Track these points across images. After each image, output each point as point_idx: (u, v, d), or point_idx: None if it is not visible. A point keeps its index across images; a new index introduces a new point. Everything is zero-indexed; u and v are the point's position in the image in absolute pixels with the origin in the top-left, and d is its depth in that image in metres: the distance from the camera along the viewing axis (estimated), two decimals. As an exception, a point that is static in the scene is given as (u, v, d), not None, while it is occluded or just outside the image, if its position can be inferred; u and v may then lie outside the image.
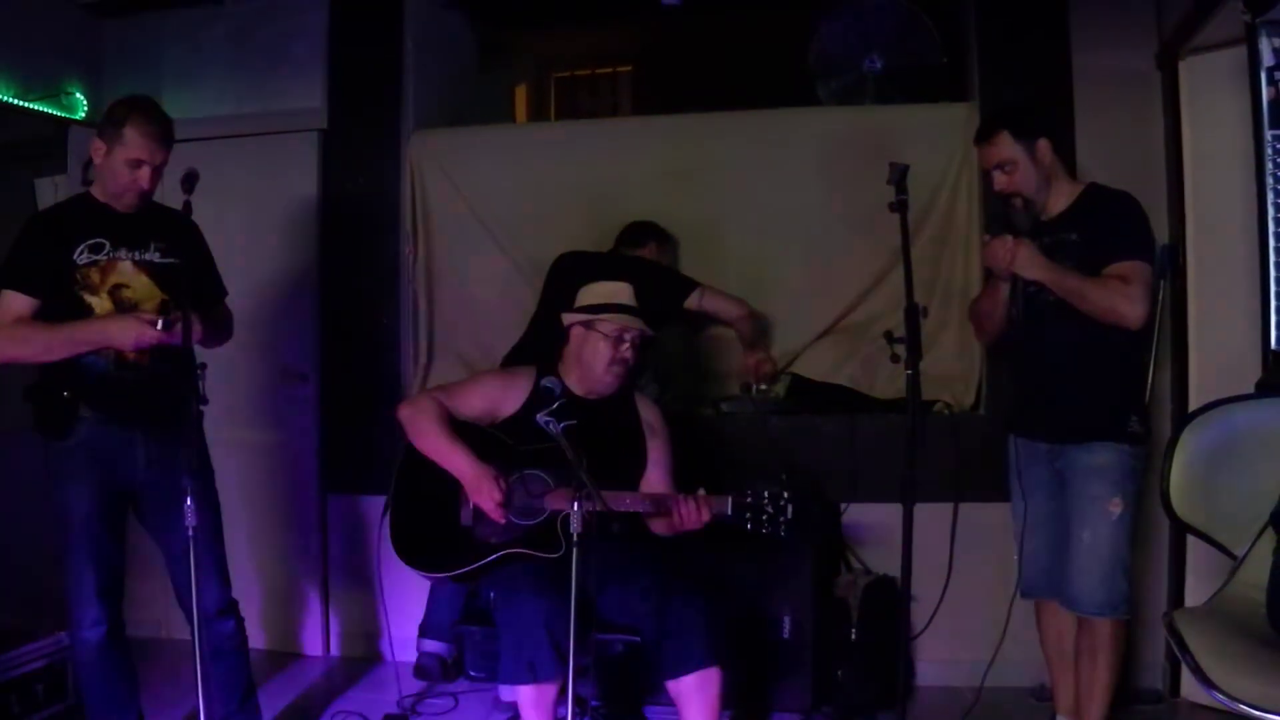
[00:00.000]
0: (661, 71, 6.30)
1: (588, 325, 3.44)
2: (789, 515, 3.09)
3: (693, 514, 3.17)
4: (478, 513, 3.35)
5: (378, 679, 4.44)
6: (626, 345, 3.41)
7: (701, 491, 3.20)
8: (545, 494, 3.31)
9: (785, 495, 3.10)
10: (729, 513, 3.14)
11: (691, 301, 4.34)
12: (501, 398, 3.48)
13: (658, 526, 3.31)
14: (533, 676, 3.11)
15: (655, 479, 3.44)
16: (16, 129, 4.80)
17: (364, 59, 4.86)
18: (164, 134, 3.19)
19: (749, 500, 3.12)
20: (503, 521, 3.30)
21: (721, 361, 4.71)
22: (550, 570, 3.21)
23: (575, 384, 3.48)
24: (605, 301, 3.47)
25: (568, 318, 3.51)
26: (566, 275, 4.18)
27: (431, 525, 3.41)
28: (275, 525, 4.85)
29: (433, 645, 4.27)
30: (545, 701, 3.15)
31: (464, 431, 3.40)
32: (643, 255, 4.42)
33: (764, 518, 3.10)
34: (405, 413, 3.45)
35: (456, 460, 3.32)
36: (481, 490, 3.28)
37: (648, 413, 3.56)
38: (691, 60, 5.87)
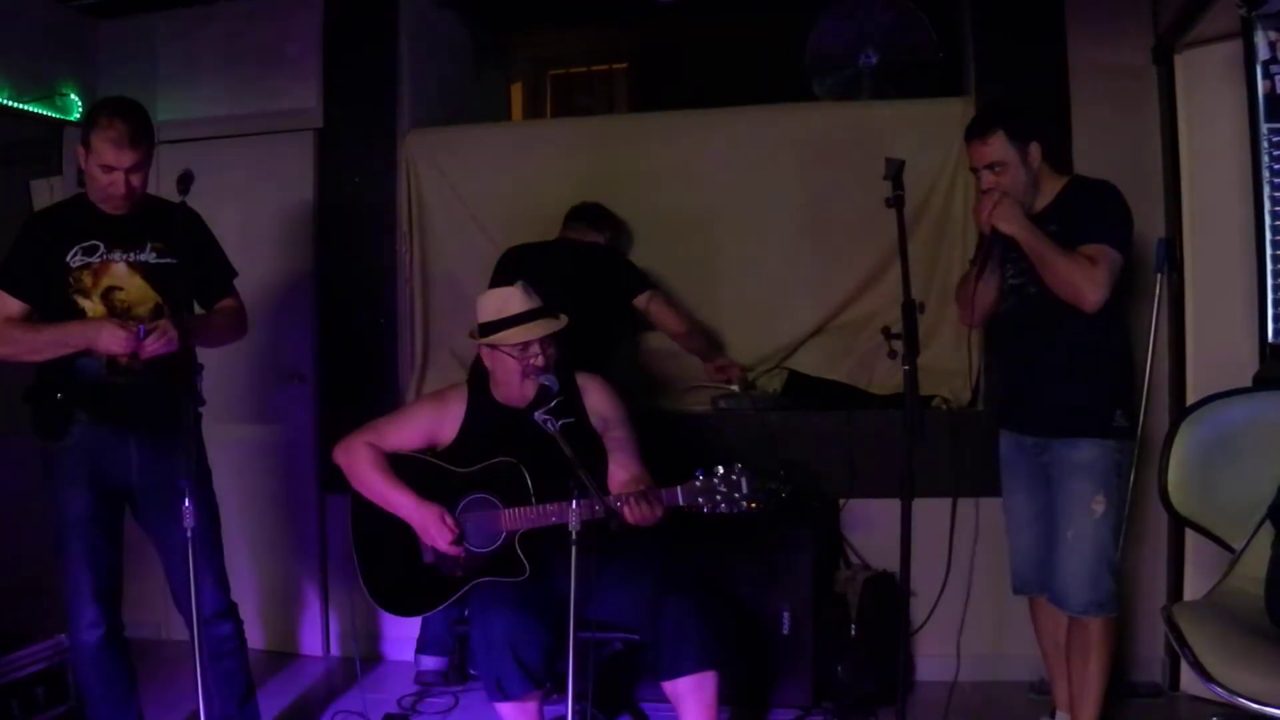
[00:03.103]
0: (657, 68, 6.29)
1: (491, 346, 3.36)
2: (745, 489, 3.02)
3: (646, 514, 3.07)
4: (437, 550, 3.34)
5: (378, 678, 4.44)
6: (534, 355, 3.30)
7: (645, 487, 3.13)
8: (496, 517, 3.28)
9: (738, 467, 3.03)
10: (681, 502, 3.08)
11: (640, 301, 4.28)
12: (437, 426, 3.44)
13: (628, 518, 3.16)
14: (503, 695, 3.12)
15: (624, 468, 3.33)
16: (11, 131, 4.80)
17: (359, 58, 4.85)
18: (131, 136, 3.10)
19: (698, 484, 3.05)
20: (461, 557, 3.29)
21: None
22: (518, 586, 3.22)
23: (504, 399, 3.42)
24: (497, 318, 3.34)
25: (472, 342, 3.43)
26: (513, 273, 4.12)
27: (397, 568, 3.40)
28: (274, 525, 4.84)
29: (430, 661, 4.27)
30: (527, 714, 3.16)
31: (404, 466, 3.38)
32: (595, 239, 4.39)
33: (718, 497, 3.03)
34: (341, 460, 3.42)
35: (400, 505, 3.31)
36: (431, 533, 3.27)
37: (595, 399, 3.45)
38: (687, 57, 5.87)
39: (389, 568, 3.42)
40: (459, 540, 3.26)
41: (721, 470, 3.04)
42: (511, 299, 3.35)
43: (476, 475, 3.32)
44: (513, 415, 3.33)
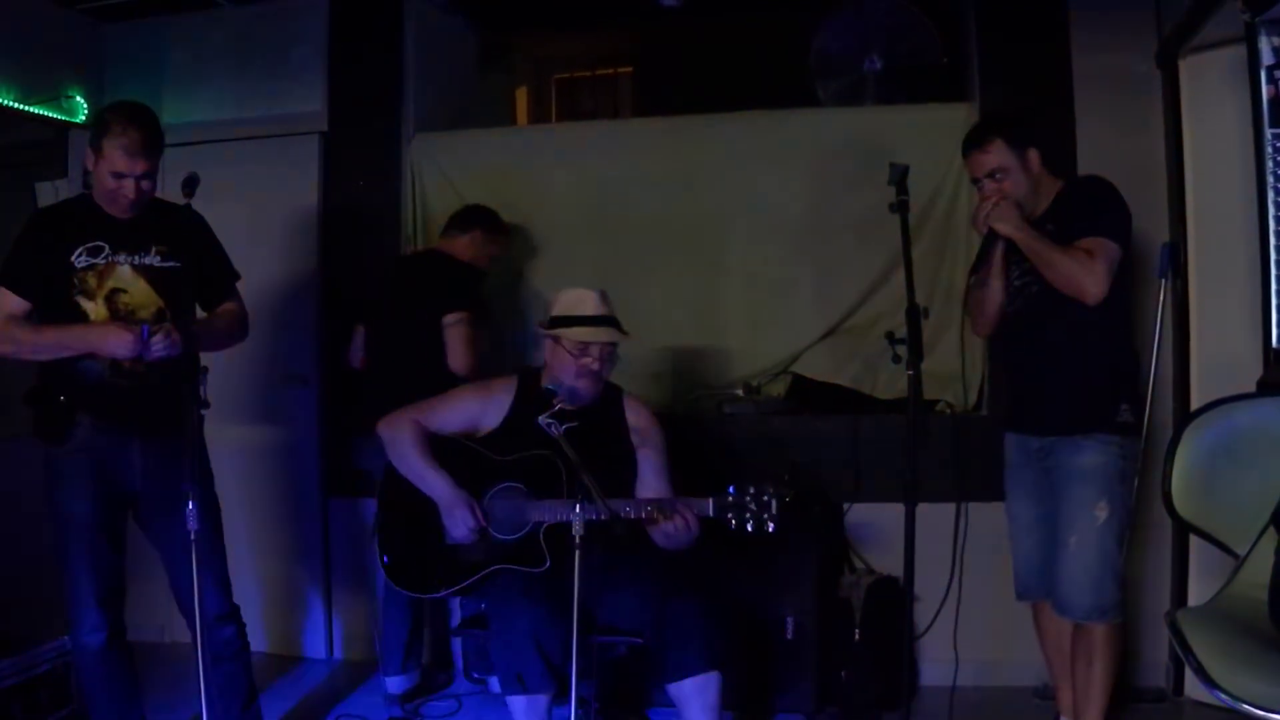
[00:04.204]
0: (662, 73, 6.29)
1: (555, 339, 3.42)
2: (774, 511, 3.06)
3: (681, 528, 3.14)
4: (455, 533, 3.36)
5: (380, 682, 4.43)
6: (590, 358, 3.37)
7: (678, 500, 3.18)
8: (524, 507, 3.30)
9: (770, 491, 3.07)
10: (710, 514, 3.13)
11: (448, 319, 4.04)
12: (481, 413, 3.48)
13: (656, 538, 3.28)
14: (522, 688, 3.12)
15: (652, 487, 3.41)
16: (17, 133, 4.82)
17: (364, 62, 4.86)
18: (144, 144, 3.11)
19: (730, 499, 3.10)
20: (486, 540, 3.31)
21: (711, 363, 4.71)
22: (540, 580, 3.23)
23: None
24: (568, 313, 3.42)
25: (540, 330, 3.48)
26: (386, 283, 4.27)
27: (417, 544, 3.41)
28: (277, 528, 4.85)
29: (395, 684, 4.23)
30: (537, 710, 3.16)
31: (443, 447, 3.41)
32: (464, 239, 4.27)
33: (748, 515, 3.08)
34: (385, 433, 3.45)
35: (433, 486, 3.34)
36: (456, 518, 3.30)
37: (636, 417, 3.52)
38: (692, 62, 5.87)
39: (410, 544, 3.43)
40: (487, 521, 3.30)
41: (754, 489, 3.09)
42: (586, 300, 3.43)
43: (512, 464, 3.35)
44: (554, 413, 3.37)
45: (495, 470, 3.36)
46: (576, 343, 3.37)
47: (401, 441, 3.40)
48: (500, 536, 3.32)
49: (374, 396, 4.12)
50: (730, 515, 3.10)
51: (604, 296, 3.46)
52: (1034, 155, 3.32)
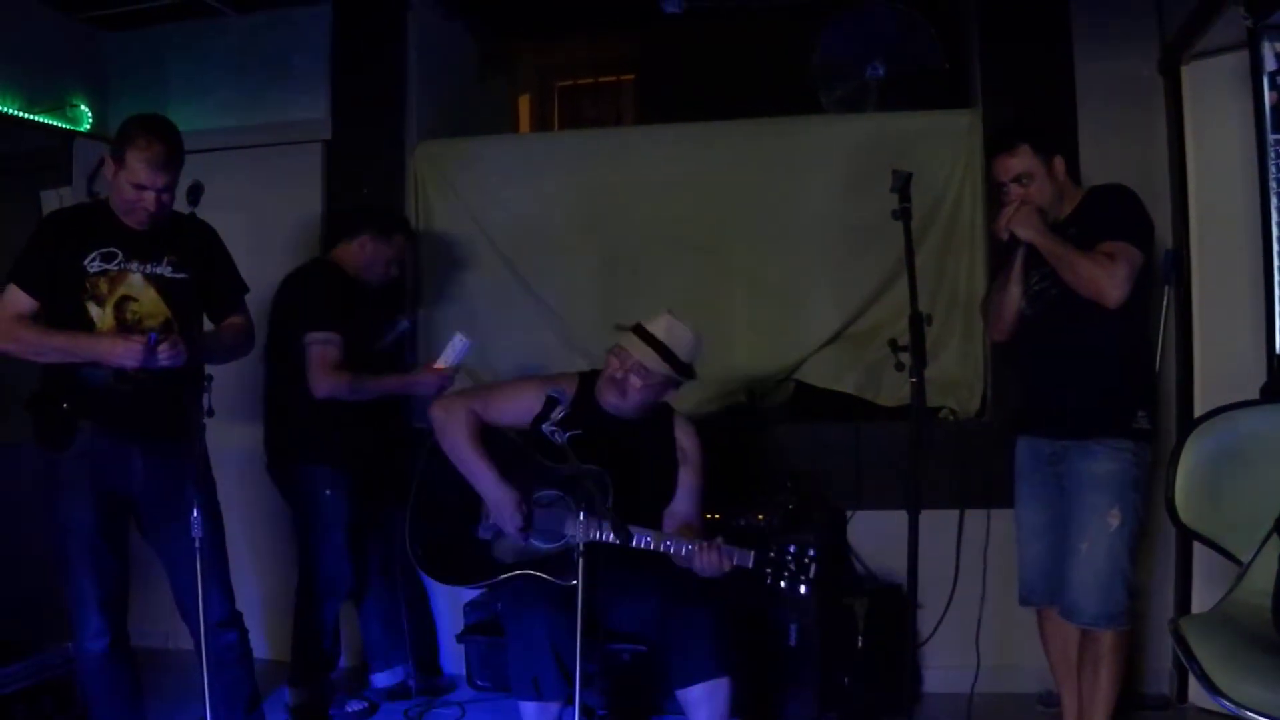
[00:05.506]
0: (665, 80, 6.30)
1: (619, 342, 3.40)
2: (811, 574, 3.04)
3: (713, 564, 3.10)
4: (497, 529, 3.36)
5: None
6: (618, 365, 3.34)
7: (720, 540, 3.13)
8: (567, 521, 3.30)
9: (810, 554, 3.05)
10: (750, 566, 3.10)
11: (307, 338, 3.80)
12: (538, 407, 3.42)
13: (678, 560, 3.22)
14: (537, 694, 3.13)
15: (682, 509, 3.41)
16: (22, 141, 4.82)
17: (367, 70, 4.88)
18: (166, 158, 3.12)
19: (772, 555, 3.08)
20: (522, 543, 3.31)
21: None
22: (561, 587, 3.22)
23: (600, 399, 3.44)
24: (644, 325, 3.37)
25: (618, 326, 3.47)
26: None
27: (448, 532, 3.42)
28: (279, 535, 4.84)
29: (383, 679, 4.24)
30: (548, 717, 3.17)
31: (496, 441, 3.40)
32: (352, 248, 4.06)
33: (785, 574, 3.05)
34: (438, 415, 3.44)
35: (481, 478, 3.34)
36: (504, 515, 3.31)
37: (684, 438, 3.50)
38: (694, 69, 5.88)
39: (441, 531, 3.43)
40: (527, 526, 3.30)
41: (794, 549, 3.07)
42: (661, 323, 3.36)
43: (562, 474, 3.33)
44: (602, 417, 3.38)
45: (546, 477, 3.36)
46: (619, 346, 3.36)
47: (454, 428, 3.39)
48: (536, 544, 3.32)
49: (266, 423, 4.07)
50: (769, 570, 3.08)
51: (675, 329, 3.35)
52: (1059, 162, 3.34)
